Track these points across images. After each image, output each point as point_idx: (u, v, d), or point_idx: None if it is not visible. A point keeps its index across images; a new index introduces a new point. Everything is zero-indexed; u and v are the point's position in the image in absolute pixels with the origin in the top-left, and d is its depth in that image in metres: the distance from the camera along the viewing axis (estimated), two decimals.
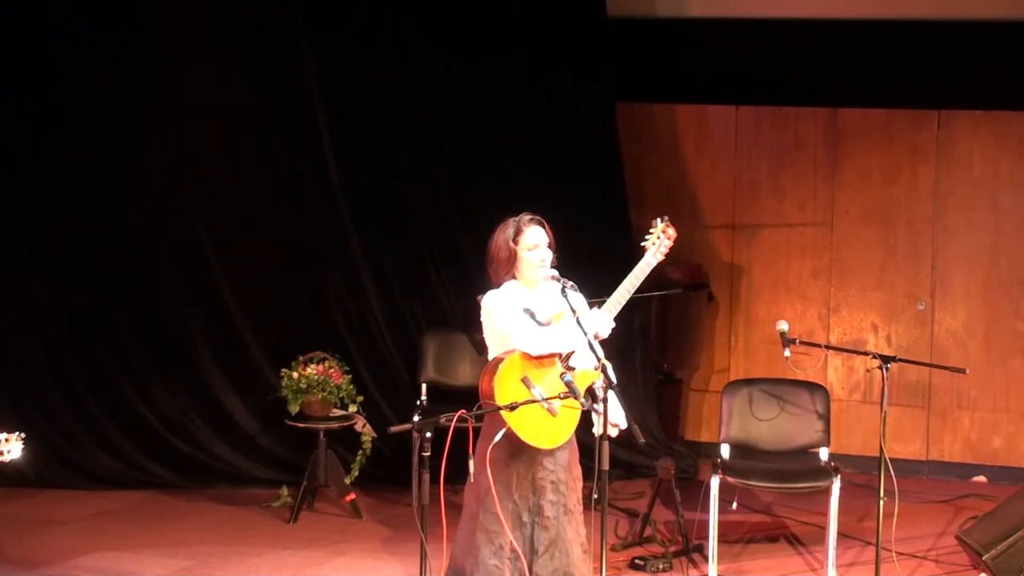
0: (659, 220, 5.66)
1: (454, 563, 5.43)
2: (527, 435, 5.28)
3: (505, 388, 5.25)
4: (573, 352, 5.34)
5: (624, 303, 5.49)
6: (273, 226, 8.55)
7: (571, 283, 5.38)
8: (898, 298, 9.14)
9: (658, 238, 5.62)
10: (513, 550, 5.33)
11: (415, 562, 5.02)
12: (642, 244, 5.65)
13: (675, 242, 5.69)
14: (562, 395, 5.19)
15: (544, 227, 5.48)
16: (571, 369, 5.29)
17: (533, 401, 5.18)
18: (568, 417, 5.33)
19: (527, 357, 5.33)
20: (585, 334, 5.22)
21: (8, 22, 8.18)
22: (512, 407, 5.14)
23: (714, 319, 9.41)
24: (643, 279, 5.55)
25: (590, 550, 5.44)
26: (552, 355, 5.35)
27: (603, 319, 5.42)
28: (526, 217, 5.50)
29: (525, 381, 5.24)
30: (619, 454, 8.19)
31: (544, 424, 5.28)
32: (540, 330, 5.37)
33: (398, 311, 8.68)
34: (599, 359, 5.18)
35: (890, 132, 9.12)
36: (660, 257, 5.61)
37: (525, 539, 5.38)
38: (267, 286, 8.54)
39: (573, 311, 5.26)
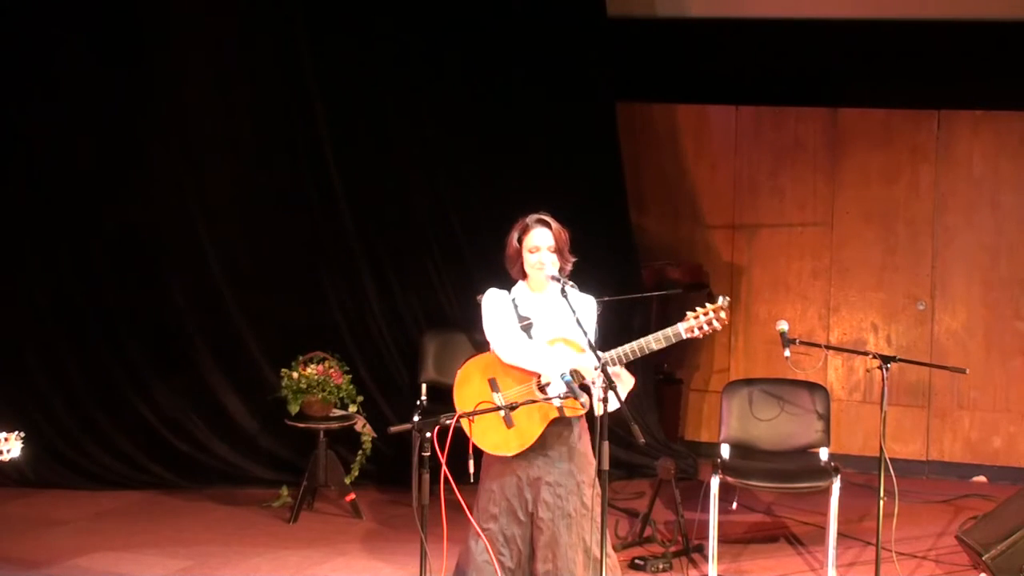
0: (721, 298, 5.26)
1: (460, 561, 5.44)
2: (475, 434, 5.18)
3: (468, 387, 5.25)
4: (549, 384, 5.24)
5: (634, 359, 5.25)
6: (273, 226, 8.55)
7: (571, 283, 5.33)
8: (898, 298, 9.14)
9: (706, 315, 5.24)
10: (508, 547, 5.33)
11: (415, 562, 5.01)
12: (687, 312, 5.26)
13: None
14: (562, 395, 5.17)
15: (551, 229, 5.34)
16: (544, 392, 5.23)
17: (533, 402, 5.17)
18: (526, 429, 5.24)
19: (500, 360, 5.29)
20: (585, 334, 5.18)
21: (8, 22, 8.18)
22: (513, 407, 5.14)
23: None
24: (664, 346, 5.24)
25: (606, 557, 5.22)
26: (528, 372, 5.27)
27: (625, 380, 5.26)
28: (534, 217, 5.38)
29: (492, 383, 5.22)
30: (619, 454, 8.19)
31: (497, 430, 5.23)
32: (519, 339, 5.28)
33: (398, 311, 8.68)
34: (598, 359, 5.14)
35: (890, 132, 9.12)
36: (696, 334, 5.25)
37: (524, 538, 5.37)
38: (267, 286, 8.54)
39: (573, 311, 5.22)
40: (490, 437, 5.26)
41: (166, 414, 8.46)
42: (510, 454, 5.29)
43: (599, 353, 5.15)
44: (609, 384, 5.07)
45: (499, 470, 5.35)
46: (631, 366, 5.30)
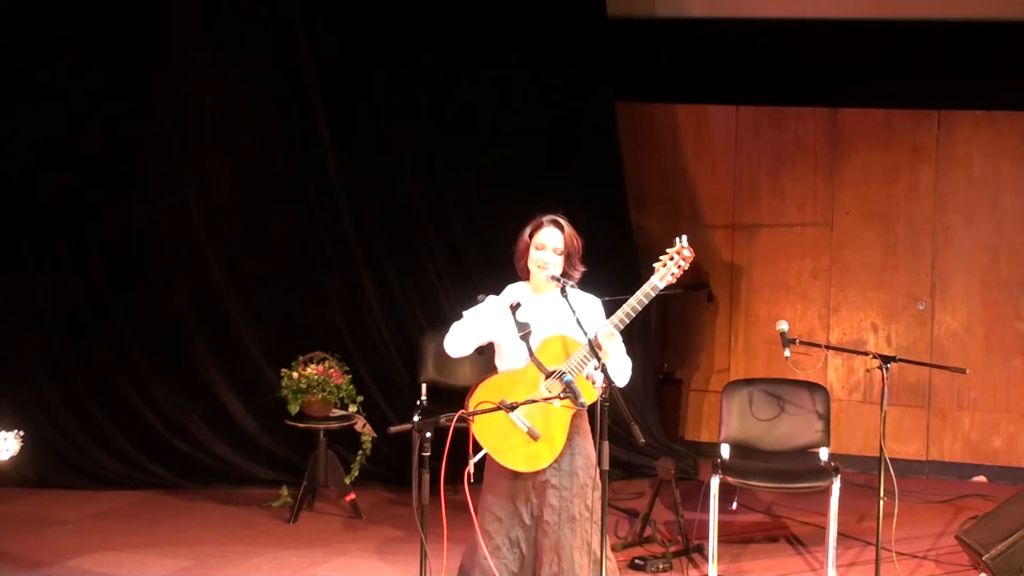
0: (678, 240, 5.33)
1: (463, 561, 5.44)
2: (505, 459, 5.22)
3: (477, 396, 5.20)
4: (556, 371, 5.22)
5: (623, 326, 5.25)
6: (273, 226, 8.55)
7: (571, 283, 5.31)
8: (898, 298, 9.14)
9: (671, 259, 5.31)
10: (512, 550, 5.33)
11: (415, 562, 5.01)
12: (653, 264, 5.33)
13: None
14: (561, 395, 5.16)
15: (562, 232, 5.32)
16: (566, 385, 5.20)
17: (533, 401, 5.16)
18: (552, 438, 5.23)
19: (509, 379, 5.27)
20: (585, 334, 5.17)
21: (7, 22, 8.18)
22: (512, 407, 5.12)
23: (714, 319, 9.41)
24: (646, 303, 5.26)
25: (606, 560, 5.25)
26: (533, 381, 5.26)
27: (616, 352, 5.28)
28: (549, 217, 5.36)
29: (503, 404, 5.17)
30: (619, 454, 8.18)
31: (524, 446, 5.21)
32: (458, 324, 5.33)
33: (398, 311, 8.68)
34: (598, 360, 5.13)
35: (890, 132, 9.12)
36: (670, 280, 5.31)
37: (528, 541, 5.35)
38: (267, 286, 8.54)
39: (573, 311, 5.21)
40: (521, 454, 5.23)
41: (166, 414, 8.46)
42: (544, 466, 5.26)
43: (599, 353, 5.14)
44: (609, 383, 5.07)
45: (506, 473, 5.33)
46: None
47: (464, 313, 5.37)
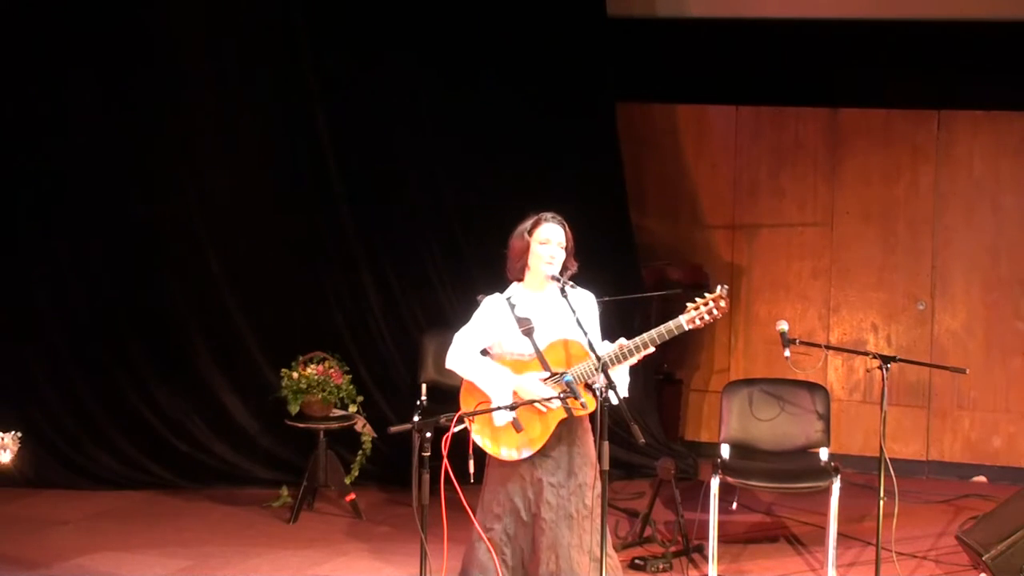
0: (720, 287, 5.26)
1: (464, 560, 5.44)
2: (487, 444, 5.25)
3: (474, 396, 5.25)
4: (557, 373, 5.23)
5: (635, 358, 5.24)
6: (273, 226, 8.54)
7: (571, 282, 5.32)
8: (898, 298, 9.14)
9: (705, 305, 5.25)
10: (509, 546, 5.33)
11: (415, 562, 5.02)
12: (687, 304, 5.28)
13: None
14: (562, 394, 5.17)
15: (564, 228, 5.36)
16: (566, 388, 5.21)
17: (534, 401, 5.17)
18: (537, 431, 5.25)
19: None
20: (586, 334, 5.18)
21: (7, 21, 8.17)
22: (513, 407, 5.13)
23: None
24: (667, 339, 5.24)
25: (607, 558, 5.24)
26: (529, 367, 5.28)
27: (620, 376, 5.27)
28: (548, 214, 5.39)
29: (505, 404, 5.19)
30: (619, 454, 8.18)
31: (508, 436, 5.24)
32: (470, 355, 5.30)
33: (398, 311, 8.68)
34: (597, 359, 5.14)
35: (890, 132, 9.12)
36: (698, 324, 5.25)
37: (526, 538, 5.36)
38: (267, 286, 8.54)
39: (573, 311, 5.22)
40: (502, 444, 5.27)
41: (166, 414, 8.46)
42: (522, 458, 5.28)
43: (598, 353, 5.15)
44: (609, 383, 5.07)
45: (504, 471, 5.35)
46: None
47: (459, 334, 5.37)
